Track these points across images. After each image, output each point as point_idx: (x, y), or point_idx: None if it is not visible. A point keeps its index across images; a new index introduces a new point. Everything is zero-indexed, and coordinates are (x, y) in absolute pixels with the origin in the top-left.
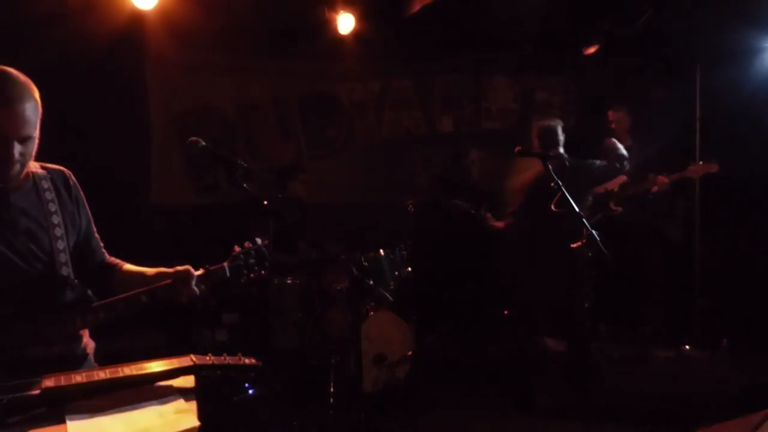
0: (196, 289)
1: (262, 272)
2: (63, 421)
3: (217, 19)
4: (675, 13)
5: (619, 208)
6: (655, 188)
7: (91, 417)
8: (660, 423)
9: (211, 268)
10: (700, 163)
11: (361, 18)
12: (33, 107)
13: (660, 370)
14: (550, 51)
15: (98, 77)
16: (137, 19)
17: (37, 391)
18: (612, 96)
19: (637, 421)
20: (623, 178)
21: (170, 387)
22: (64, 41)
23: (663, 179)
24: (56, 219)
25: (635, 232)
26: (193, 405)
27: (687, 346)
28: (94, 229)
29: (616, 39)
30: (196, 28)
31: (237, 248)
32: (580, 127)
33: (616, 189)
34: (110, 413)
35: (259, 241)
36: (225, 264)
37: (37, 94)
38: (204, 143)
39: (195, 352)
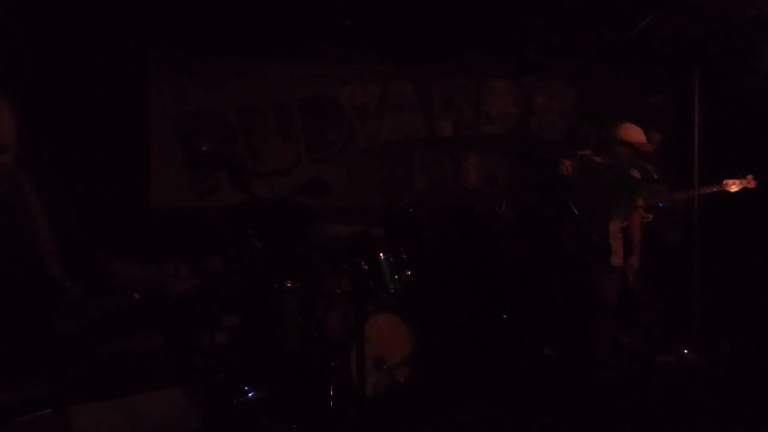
0: (186, 283)
1: (253, 262)
2: (68, 422)
3: (217, 22)
4: (673, 18)
5: (650, 216)
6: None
7: (96, 417)
8: (659, 427)
9: (203, 261)
10: (749, 177)
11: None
12: (6, 116)
13: (659, 374)
14: (549, 56)
15: (98, 80)
16: (138, 21)
17: (41, 392)
18: (611, 101)
19: (637, 426)
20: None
21: (174, 389)
22: (65, 44)
23: (696, 193)
24: (42, 221)
25: None
26: (195, 405)
27: (686, 351)
28: (83, 229)
29: (615, 44)
30: (196, 31)
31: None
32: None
33: None
34: (114, 414)
35: (249, 232)
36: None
37: (8, 103)
38: (205, 147)
39: (195, 355)
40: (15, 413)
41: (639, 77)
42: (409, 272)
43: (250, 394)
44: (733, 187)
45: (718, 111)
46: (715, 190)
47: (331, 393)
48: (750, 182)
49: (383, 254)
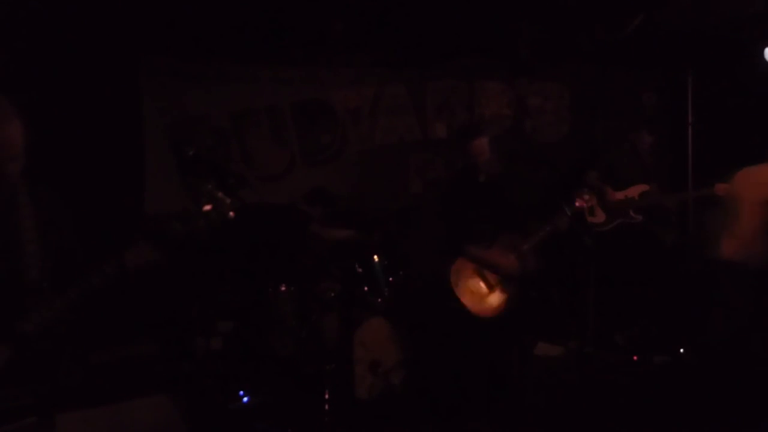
0: (146, 251)
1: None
2: (53, 430)
3: (209, 27)
4: (667, 19)
5: (639, 216)
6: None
7: (81, 425)
8: (656, 427)
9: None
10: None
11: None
12: (16, 128)
13: (656, 374)
14: (543, 57)
15: (91, 87)
16: (130, 28)
17: (30, 400)
18: (604, 102)
19: (633, 426)
20: (645, 186)
21: (161, 397)
22: (56, 52)
23: (687, 196)
24: (31, 234)
25: (628, 235)
26: (181, 413)
27: (682, 350)
28: (78, 245)
29: (607, 44)
30: (188, 36)
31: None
32: (573, 132)
33: (636, 197)
34: (100, 422)
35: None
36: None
37: (18, 115)
38: (192, 152)
39: (190, 361)
40: (2, 422)
41: (632, 77)
42: (403, 274)
43: (245, 400)
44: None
45: (711, 110)
46: (706, 194)
47: (327, 397)
48: None
49: (377, 257)
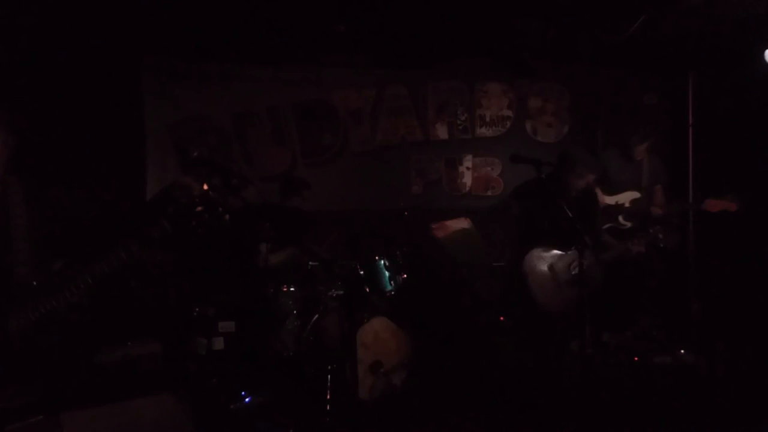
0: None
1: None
2: (60, 428)
3: (211, 28)
4: (667, 20)
5: (628, 223)
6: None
7: (87, 423)
8: (656, 428)
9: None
10: (729, 197)
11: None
12: None
13: (656, 375)
14: (544, 58)
15: (94, 88)
16: (132, 29)
17: (36, 399)
18: (605, 103)
19: (634, 427)
20: (636, 194)
21: (166, 395)
22: (60, 53)
23: (675, 207)
24: (22, 232)
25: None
26: (187, 411)
27: (683, 351)
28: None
29: (608, 45)
30: (190, 37)
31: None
32: (574, 133)
33: (627, 204)
34: (106, 420)
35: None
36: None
37: None
38: (197, 153)
39: (192, 361)
40: (9, 420)
41: (633, 78)
42: (405, 275)
43: (246, 399)
44: (715, 207)
45: (712, 111)
46: (695, 208)
47: (328, 397)
48: (731, 205)
49: (379, 257)
